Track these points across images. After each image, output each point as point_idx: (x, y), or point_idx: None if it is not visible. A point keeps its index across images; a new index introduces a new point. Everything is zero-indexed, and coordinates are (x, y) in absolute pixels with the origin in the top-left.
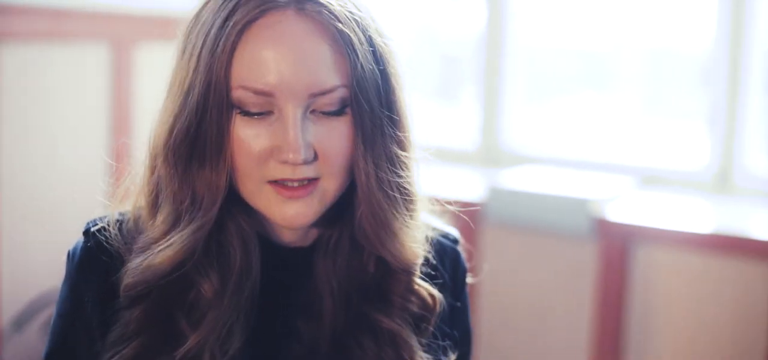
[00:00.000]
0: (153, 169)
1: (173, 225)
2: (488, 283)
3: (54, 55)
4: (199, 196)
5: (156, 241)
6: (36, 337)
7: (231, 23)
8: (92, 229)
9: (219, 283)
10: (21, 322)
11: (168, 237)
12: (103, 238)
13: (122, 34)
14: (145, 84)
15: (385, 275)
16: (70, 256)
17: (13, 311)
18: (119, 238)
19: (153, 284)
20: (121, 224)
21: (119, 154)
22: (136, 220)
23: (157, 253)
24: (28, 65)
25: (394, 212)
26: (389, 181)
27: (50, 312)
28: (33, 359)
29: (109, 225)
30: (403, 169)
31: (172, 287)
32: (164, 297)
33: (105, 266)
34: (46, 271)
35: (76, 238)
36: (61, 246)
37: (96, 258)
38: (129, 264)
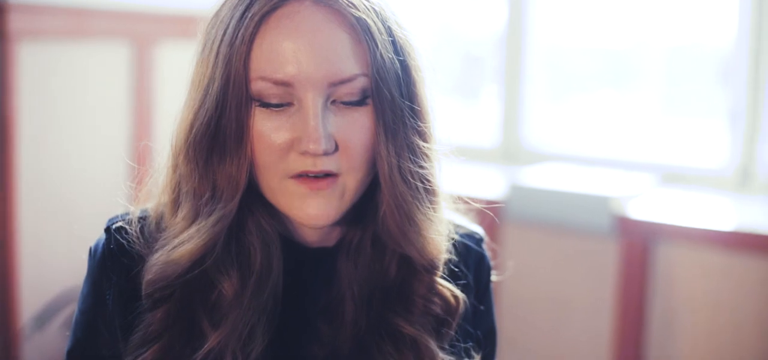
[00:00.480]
0: (175, 167)
1: (193, 220)
2: (509, 281)
3: (75, 54)
4: (219, 189)
5: (176, 237)
6: (57, 334)
7: (249, 15)
8: (113, 227)
9: (239, 282)
10: (42, 319)
11: (187, 232)
12: (124, 238)
13: (143, 33)
14: (166, 82)
15: (408, 276)
16: (92, 253)
17: (34, 309)
18: (140, 236)
19: (173, 281)
20: (142, 223)
21: (140, 155)
22: (158, 219)
23: (176, 247)
24: (49, 64)
25: (417, 204)
26: (412, 171)
27: (71, 309)
28: (54, 356)
29: (130, 223)
30: (425, 160)
31: (194, 287)
32: (186, 298)
33: (125, 264)
34: (67, 269)
35: (97, 236)
36: (82, 243)
37: (117, 255)
38: (149, 260)
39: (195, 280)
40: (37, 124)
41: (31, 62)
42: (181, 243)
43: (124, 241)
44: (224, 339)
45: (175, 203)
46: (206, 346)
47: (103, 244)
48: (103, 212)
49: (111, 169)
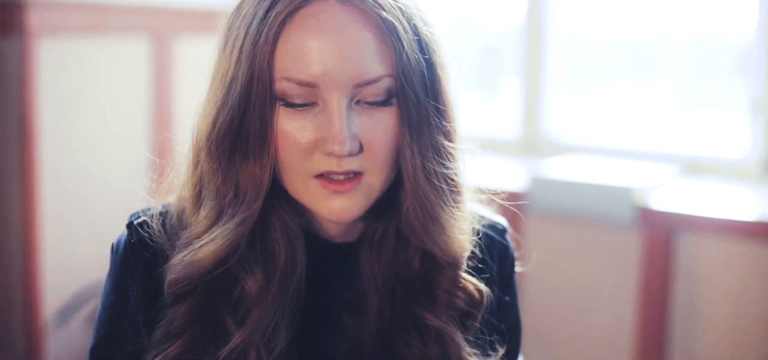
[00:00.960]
0: (196, 163)
1: (216, 219)
2: (531, 273)
3: (94, 49)
4: (243, 189)
5: (199, 236)
6: (80, 329)
7: (273, 13)
8: (135, 223)
9: (263, 279)
10: (65, 314)
11: (211, 231)
12: (146, 232)
13: (161, 28)
14: (185, 77)
15: (431, 270)
16: (114, 249)
17: (57, 304)
18: (162, 232)
19: (197, 280)
20: (164, 218)
21: (161, 149)
22: (180, 214)
23: (200, 248)
24: (68, 60)
25: (442, 204)
26: (436, 171)
27: (94, 304)
28: (77, 351)
29: (152, 218)
30: (449, 160)
31: (217, 284)
32: (209, 294)
33: (148, 260)
34: (89, 264)
35: (118, 231)
36: (104, 239)
37: (139, 252)
38: (172, 259)
39: (218, 277)
40: (56, 119)
41: (50, 58)
42: (205, 244)
43: (146, 236)
44: (248, 336)
45: (197, 199)
46: (231, 344)
47: (125, 240)
48: (123, 207)
49: (131, 164)
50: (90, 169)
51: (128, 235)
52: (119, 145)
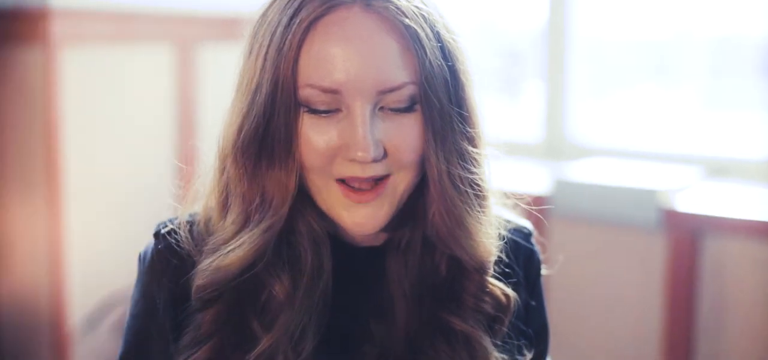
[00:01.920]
0: (222, 170)
1: (243, 226)
2: (556, 276)
3: (118, 58)
4: (269, 196)
5: (226, 242)
6: (107, 336)
7: (297, 21)
8: (162, 231)
9: (290, 284)
10: (92, 321)
11: (237, 237)
12: (173, 240)
13: (185, 35)
14: (209, 84)
15: (458, 275)
16: (141, 259)
17: (84, 311)
18: (189, 239)
19: (224, 286)
20: (191, 226)
21: (187, 156)
22: (207, 221)
23: (227, 254)
24: (93, 68)
25: (467, 209)
26: (461, 177)
27: (120, 311)
28: (105, 358)
29: (179, 227)
30: (474, 165)
31: (244, 289)
32: (236, 299)
33: (176, 268)
34: (116, 272)
35: (145, 238)
36: (130, 246)
37: (167, 260)
38: (199, 266)
39: (245, 283)
40: (81, 128)
41: (75, 67)
42: (232, 249)
43: (173, 242)
44: (276, 340)
45: (224, 206)
46: (259, 348)
47: (152, 249)
48: (148, 214)
49: (156, 171)
50: (115, 176)
51: (155, 243)
52: (144, 153)
